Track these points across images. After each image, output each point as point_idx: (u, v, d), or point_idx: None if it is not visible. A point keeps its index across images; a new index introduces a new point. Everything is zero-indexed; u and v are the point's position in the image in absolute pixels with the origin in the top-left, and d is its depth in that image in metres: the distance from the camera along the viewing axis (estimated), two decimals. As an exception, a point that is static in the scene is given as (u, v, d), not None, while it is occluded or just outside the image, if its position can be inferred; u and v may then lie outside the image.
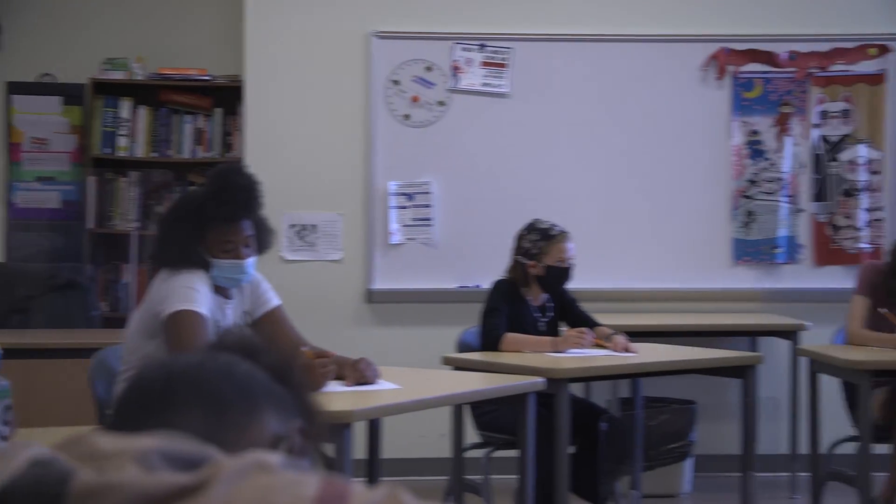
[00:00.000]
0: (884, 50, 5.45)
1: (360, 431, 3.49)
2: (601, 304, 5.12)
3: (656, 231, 5.46)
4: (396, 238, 5.36)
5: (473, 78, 5.38)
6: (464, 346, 4.23)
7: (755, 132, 5.48)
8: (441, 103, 5.38)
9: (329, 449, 2.79)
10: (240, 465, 0.90)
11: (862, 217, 5.47)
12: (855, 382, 3.89)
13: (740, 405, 4.14)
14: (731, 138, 5.47)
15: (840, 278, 5.26)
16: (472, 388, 3.35)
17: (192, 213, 3.15)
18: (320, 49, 5.36)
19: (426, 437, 5.09)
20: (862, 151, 5.47)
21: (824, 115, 5.48)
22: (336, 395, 2.96)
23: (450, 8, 5.40)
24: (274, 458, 0.92)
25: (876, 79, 5.46)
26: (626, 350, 4.03)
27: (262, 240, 3.24)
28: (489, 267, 4.61)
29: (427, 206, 5.37)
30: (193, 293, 3.05)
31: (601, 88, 5.43)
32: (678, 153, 5.46)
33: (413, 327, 5.36)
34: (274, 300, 3.32)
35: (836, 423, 4.30)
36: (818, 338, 4.75)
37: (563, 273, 4.17)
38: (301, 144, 5.35)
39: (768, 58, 5.46)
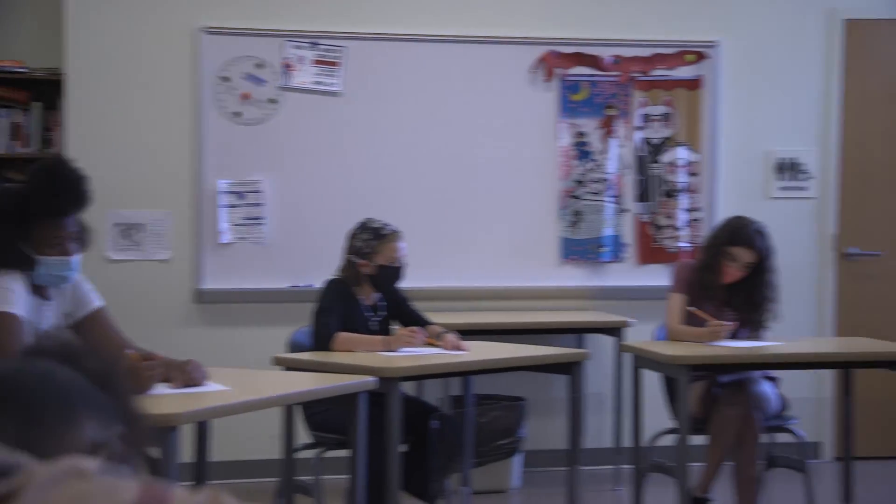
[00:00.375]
0: (700, 56, 5.68)
1: (188, 434, 3.42)
2: (433, 303, 5.16)
3: (486, 230, 5.54)
4: (226, 237, 5.28)
5: (305, 76, 5.34)
6: (295, 346, 4.19)
7: (582, 134, 5.62)
8: (272, 101, 5.32)
9: (156, 453, 2.73)
10: (54, 473, 0.87)
11: (681, 217, 5.68)
12: (674, 377, 4.03)
13: (568, 401, 4.24)
14: (559, 139, 5.59)
15: (662, 276, 5.43)
16: (302, 388, 3.32)
17: (13, 209, 3.03)
18: (147, 43, 5.23)
19: (256, 439, 5.03)
20: (681, 154, 5.69)
21: (647, 118, 5.67)
22: (162, 398, 2.90)
23: (281, 5, 5.35)
24: (91, 464, 0.89)
25: (694, 84, 5.68)
26: (457, 348, 4.08)
27: (83, 238, 3.14)
28: (321, 266, 4.59)
29: (258, 204, 5.30)
30: (8, 294, 2.94)
31: (433, 88, 5.47)
32: (508, 154, 5.55)
33: (243, 328, 5.29)
34: (96, 301, 3.22)
35: (658, 417, 4.45)
36: (641, 334, 4.91)
37: (395, 272, 4.19)
38: (126, 141, 5.21)
39: (594, 61, 5.61)
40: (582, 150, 5.62)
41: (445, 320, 4.50)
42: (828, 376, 5.72)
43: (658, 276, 5.49)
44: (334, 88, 5.37)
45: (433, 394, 5.00)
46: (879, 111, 5.89)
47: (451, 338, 4.13)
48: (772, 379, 4.32)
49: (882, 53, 5.88)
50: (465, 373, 4.28)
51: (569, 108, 5.60)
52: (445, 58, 5.48)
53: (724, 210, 5.38)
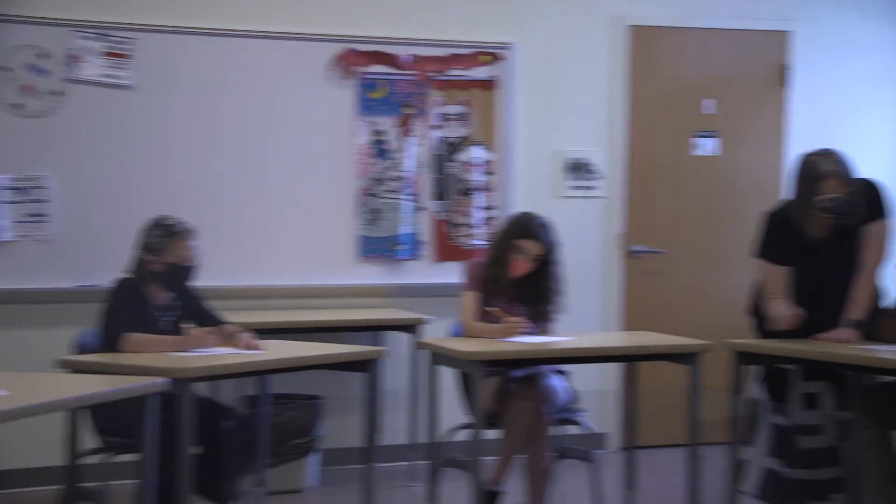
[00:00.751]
0: (495, 58, 5.79)
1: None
2: (229, 302, 5.09)
3: (283, 228, 5.49)
4: (7, 235, 5.04)
5: (93, 68, 5.15)
6: (82, 348, 4.04)
7: (379, 132, 5.64)
8: (58, 93, 5.11)
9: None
10: None
11: (477, 215, 5.78)
12: (470, 373, 4.10)
13: (365, 398, 4.25)
14: (356, 137, 5.59)
15: (458, 274, 5.51)
16: (87, 391, 3.20)
17: None
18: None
19: (42, 446, 4.82)
20: (477, 153, 5.79)
21: (444, 117, 5.74)
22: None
23: (67, -7, 5.14)
24: None
25: (489, 84, 5.79)
26: (252, 348, 4.03)
27: None
28: (110, 264, 4.44)
29: (42, 201, 5.08)
30: None
31: (228, 84, 5.38)
32: (306, 151, 5.52)
33: (26, 329, 5.06)
34: None
35: (453, 412, 4.51)
36: (438, 331, 4.97)
37: (187, 271, 4.10)
38: None
39: (391, 60, 5.64)
40: (379, 149, 5.65)
41: (241, 319, 4.44)
42: (614, 369, 5.93)
43: (454, 274, 5.56)
44: (124, 82, 5.20)
45: (229, 394, 4.92)
46: (662, 114, 6.16)
47: (246, 337, 4.08)
48: (561, 373, 4.45)
49: (664, 59, 6.15)
50: (260, 372, 4.23)
51: (366, 106, 5.61)
52: (241, 53, 5.40)
53: (519, 208, 5.50)
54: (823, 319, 4.17)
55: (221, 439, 4.04)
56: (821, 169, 4.11)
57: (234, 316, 4.48)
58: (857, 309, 4.12)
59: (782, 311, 4.19)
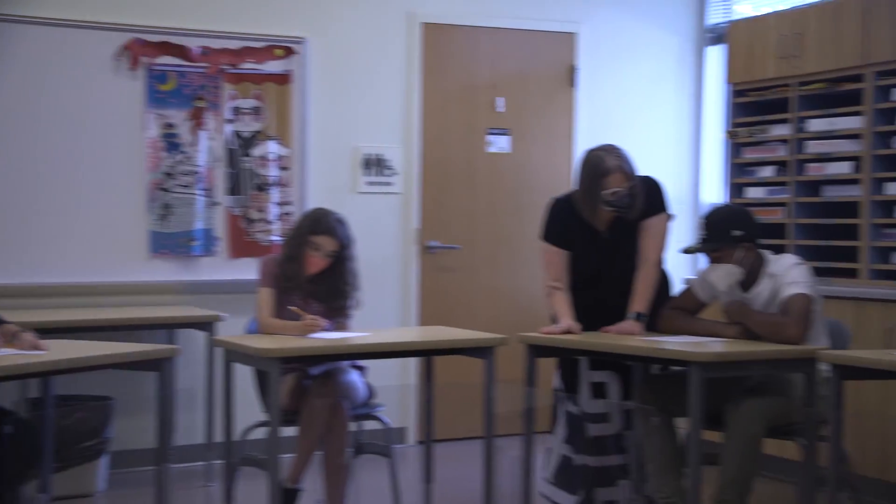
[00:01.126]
0: (289, 52, 5.74)
1: None
2: (11, 301, 4.93)
3: (69, 224, 5.29)
4: None
5: None
6: None
7: (170, 125, 5.50)
8: None
9: None
10: None
11: (273, 211, 5.72)
12: (266, 370, 4.05)
13: (157, 398, 4.13)
14: (146, 130, 5.44)
15: (254, 270, 5.40)
16: None
17: None
18: None
19: None
20: (272, 147, 5.72)
21: (237, 111, 5.64)
22: None
23: None
24: None
25: (283, 78, 5.73)
26: (35, 348, 3.85)
27: None
28: None
29: None
30: None
31: (8, 74, 5.14)
32: (92, 144, 5.33)
33: None
34: None
35: (250, 411, 4.45)
36: (234, 328, 4.89)
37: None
38: None
39: (181, 51, 5.51)
40: (171, 142, 5.50)
41: (23, 319, 4.24)
42: (412, 364, 6.00)
43: (250, 270, 5.48)
44: None
45: (12, 397, 4.69)
46: (456, 111, 6.25)
47: (29, 337, 3.89)
48: (359, 368, 4.46)
49: (457, 57, 6.24)
50: (44, 373, 4.04)
51: (156, 98, 5.45)
52: (21, 41, 5.16)
53: (314, 204, 5.47)
54: (606, 309, 4.31)
55: (0, 445, 3.84)
56: (604, 164, 4.26)
57: (17, 315, 4.28)
58: (639, 301, 4.29)
59: (556, 328, 4.28)
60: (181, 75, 5.51)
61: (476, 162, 6.31)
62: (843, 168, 5.30)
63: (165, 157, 5.49)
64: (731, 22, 6.08)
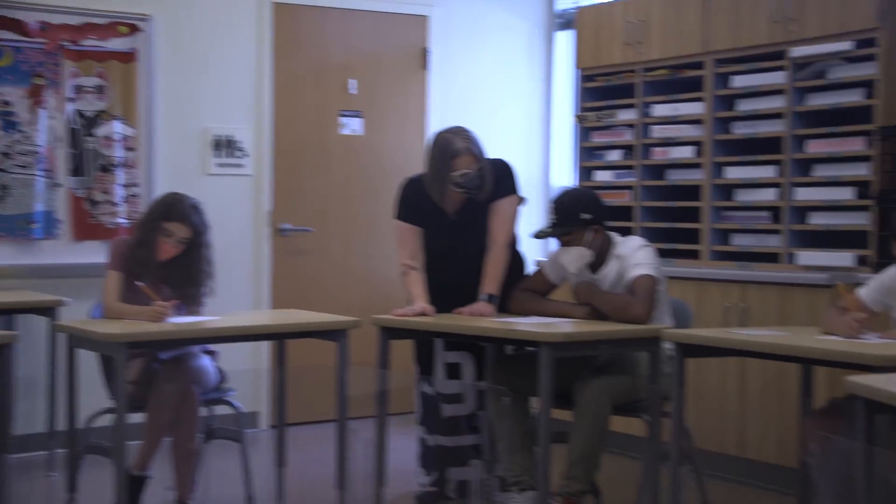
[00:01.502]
0: (134, 29, 5.58)
1: None
2: None
3: None
4: None
5: None
6: None
7: (7, 103, 5.29)
8: None
9: None
10: None
11: (119, 192, 5.56)
12: (112, 355, 3.94)
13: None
14: (-18, 108, 5.22)
15: (99, 253, 5.29)
16: None
17: None
18: None
19: None
20: (117, 127, 5.56)
21: (79, 89, 5.46)
22: None
23: None
24: None
25: (128, 56, 5.57)
26: None
27: None
28: None
29: None
30: None
31: None
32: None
33: None
34: None
35: (96, 397, 4.33)
36: (78, 313, 4.73)
37: None
38: None
39: (17, 26, 5.30)
40: (7, 121, 5.30)
41: None
42: (264, 348, 5.93)
43: (95, 253, 5.35)
44: None
45: None
46: (309, 93, 6.19)
47: None
48: (211, 353, 4.38)
49: (308, 38, 6.18)
50: None
51: (-7, 75, 5.24)
52: None
53: (163, 186, 5.36)
54: (460, 288, 4.35)
55: None
56: (453, 146, 4.29)
57: None
58: (490, 283, 4.33)
59: (409, 310, 4.29)
60: (17, 51, 5.30)
61: (329, 144, 6.27)
62: (685, 153, 5.47)
63: (2, 135, 5.28)
64: (578, 8, 6.18)
